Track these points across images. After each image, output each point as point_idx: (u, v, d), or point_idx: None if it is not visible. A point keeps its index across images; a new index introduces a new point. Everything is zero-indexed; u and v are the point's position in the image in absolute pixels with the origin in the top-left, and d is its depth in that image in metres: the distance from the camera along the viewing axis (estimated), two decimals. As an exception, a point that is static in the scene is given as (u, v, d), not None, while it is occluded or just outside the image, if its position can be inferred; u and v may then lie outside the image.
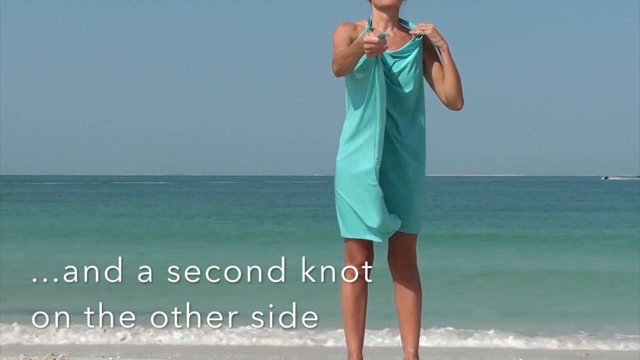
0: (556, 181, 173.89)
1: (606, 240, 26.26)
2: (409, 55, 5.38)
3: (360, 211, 5.33)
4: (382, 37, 5.06)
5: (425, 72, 5.46)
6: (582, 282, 16.48)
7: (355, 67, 5.25)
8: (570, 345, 9.62)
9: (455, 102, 5.44)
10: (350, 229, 5.41)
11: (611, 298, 14.47)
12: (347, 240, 5.48)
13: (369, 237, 5.36)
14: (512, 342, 9.79)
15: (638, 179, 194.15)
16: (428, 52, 5.45)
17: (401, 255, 5.47)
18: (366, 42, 5.03)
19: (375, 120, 5.31)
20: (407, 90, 5.36)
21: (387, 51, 5.28)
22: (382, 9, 5.43)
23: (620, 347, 9.63)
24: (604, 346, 9.65)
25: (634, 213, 42.48)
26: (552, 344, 9.78)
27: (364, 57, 5.15)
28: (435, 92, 5.46)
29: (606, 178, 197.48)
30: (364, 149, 5.35)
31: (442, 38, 5.39)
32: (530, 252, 23.17)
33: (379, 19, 5.45)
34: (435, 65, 5.44)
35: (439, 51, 5.41)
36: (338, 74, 5.30)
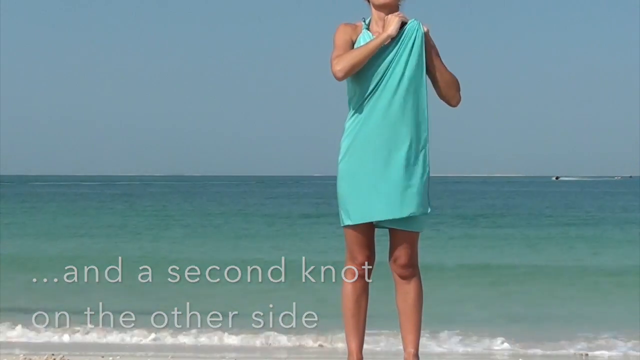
0: (512, 181, 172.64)
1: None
2: (403, 47, 5.37)
3: (359, 196, 5.34)
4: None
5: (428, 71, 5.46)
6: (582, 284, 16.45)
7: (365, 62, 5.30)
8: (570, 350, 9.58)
9: (450, 101, 5.48)
10: (350, 216, 5.39)
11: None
12: (348, 238, 5.46)
13: (371, 218, 5.35)
14: (510, 346, 9.75)
15: (589, 179, 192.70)
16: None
17: (402, 254, 5.45)
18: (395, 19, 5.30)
19: (378, 115, 5.33)
20: (411, 81, 5.36)
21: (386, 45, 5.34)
22: (379, 7, 5.44)
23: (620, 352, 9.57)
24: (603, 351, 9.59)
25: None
26: (548, 347, 9.77)
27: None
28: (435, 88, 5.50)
29: (557, 178, 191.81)
30: (366, 143, 5.36)
31: (430, 44, 5.41)
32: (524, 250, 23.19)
33: (377, 18, 5.45)
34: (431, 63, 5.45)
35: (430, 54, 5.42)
36: (349, 72, 5.28)
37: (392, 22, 5.35)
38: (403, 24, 5.38)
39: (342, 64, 5.29)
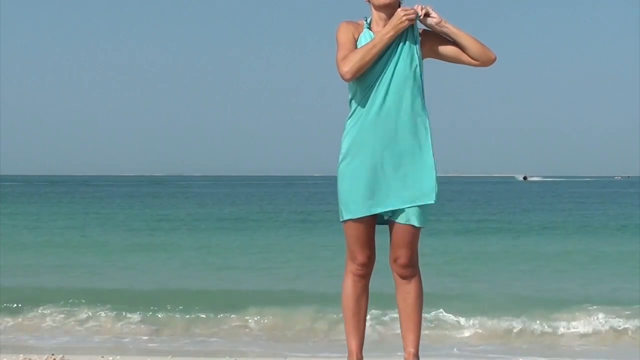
0: (474, 181, 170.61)
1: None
2: (401, 43, 5.39)
3: (359, 191, 5.35)
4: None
5: (444, 54, 5.45)
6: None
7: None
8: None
9: (487, 58, 5.42)
10: (350, 210, 5.40)
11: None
12: (348, 237, 5.45)
13: (370, 211, 5.35)
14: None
15: (558, 179, 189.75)
16: (432, 37, 5.44)
17: (402, 253, 5.44)
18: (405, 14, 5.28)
19: (376, 111, 5.35)
20: (409, 76, 5.37)
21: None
22: (379, 8, 5.44)
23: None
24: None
25: None
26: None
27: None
28: (465, 63, 5.45)
29: (525, 178, 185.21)
30: (365, 139, 5.37)
31: (438, 22, 5.38)
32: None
33: (378, 18, 5.46)
34: (447, 44, 5.44)
35: (443, 32, 5.40)
36: (357, 73, 5.29)
37: (398, 21, 5.32)
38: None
39: (349, 65, 5.30)
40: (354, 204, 5.38)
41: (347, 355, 5.57)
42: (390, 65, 5.36)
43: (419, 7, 5.39)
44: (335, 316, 10.48)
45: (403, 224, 5.39)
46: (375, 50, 5.30)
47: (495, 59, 5.45)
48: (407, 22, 5.31)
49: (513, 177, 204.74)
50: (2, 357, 7.87)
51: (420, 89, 5.41)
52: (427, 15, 5.39)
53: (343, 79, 5.32)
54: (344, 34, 5.40)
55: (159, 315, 11.38)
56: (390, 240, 5.47)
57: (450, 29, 5.40)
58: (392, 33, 5.33)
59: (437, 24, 5.39)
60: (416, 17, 5.37)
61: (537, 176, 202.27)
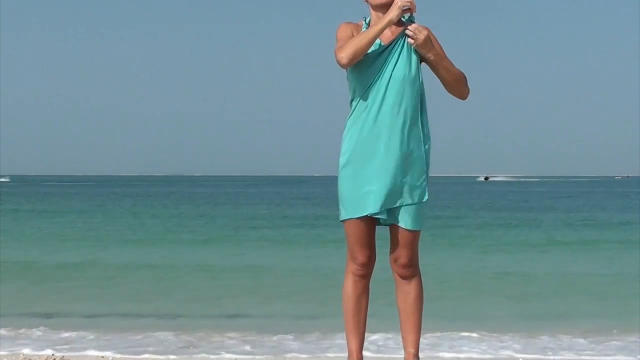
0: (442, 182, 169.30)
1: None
2: (399, 45, 5.40)
3: (358, 190, 5.36)
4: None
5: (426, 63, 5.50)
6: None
7: (362, 58, 5.32)
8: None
9: (459, 96, 5.52)
10: (347, 210, 5.41)
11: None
12: (348, 236, 5.45)
13: (367, 211, 5.36)
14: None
15: (521, 179, 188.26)
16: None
17: (402, 253, 5.46)
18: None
19: (375, 111, 5.35)
20: (406, 79, 5.37)
21: (383, 44, 5.39)
22: (376, 7, 5.48)
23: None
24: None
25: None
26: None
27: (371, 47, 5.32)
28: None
29: (487, 179, 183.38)
30: (365, 139, 5.38)
31: (430, 49, 5.39)
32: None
33: (376, 18, 5.48)
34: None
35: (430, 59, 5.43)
36: (352, 58, 5.28)
37: (395, 7, 5.35)
38: (408, 13, 5.39)
39: (345, 51, 5.31)
40: (353, 204, 5.40)
41: (347, 355, 5.58)
42: (389, 66, 5.38)
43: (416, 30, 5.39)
44: (335, 316, 10.47)
45: (402, 225, 5.40)
46: (370, 34, 5.32)
47: (464, 99, 5.54)
48: (402, 4, 5.33)
49: (474, 178, 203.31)
50: (2, 357, 7.87)
51: (418, 91, 5.41)
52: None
53: (339, 64, 5.34)
54: (343, 32, 5.45)
55: (160, 316, 11.39)
56: (391, 242, 5.48)
57: (436, 66, 5.42)
58: (385, 20, 5.34)
59: (424, 52, 5.39)
60: (412, 12, 5.40)
61: (499, 176, 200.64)
